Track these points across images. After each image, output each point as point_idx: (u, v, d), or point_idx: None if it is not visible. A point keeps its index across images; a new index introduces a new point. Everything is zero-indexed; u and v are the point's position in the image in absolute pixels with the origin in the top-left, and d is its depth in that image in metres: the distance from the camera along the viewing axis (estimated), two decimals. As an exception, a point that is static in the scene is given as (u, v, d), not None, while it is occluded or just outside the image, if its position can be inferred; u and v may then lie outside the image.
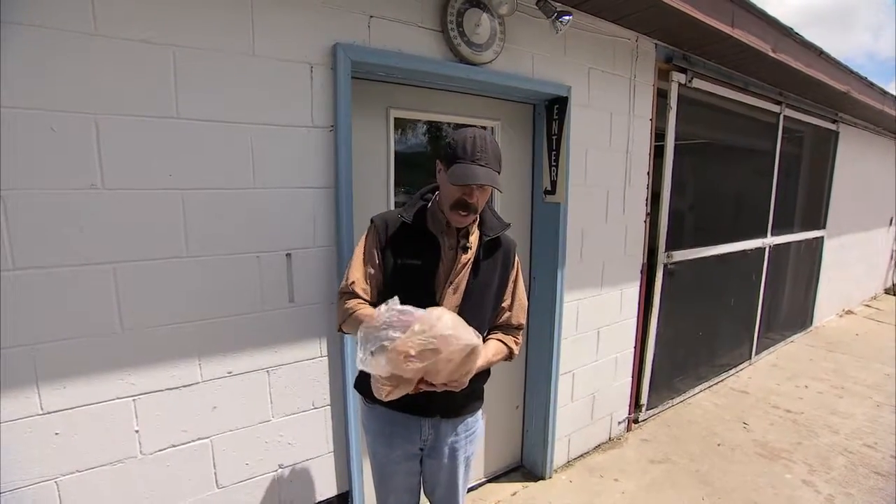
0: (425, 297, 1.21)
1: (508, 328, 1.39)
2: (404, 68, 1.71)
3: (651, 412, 3.17)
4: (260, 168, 1.46)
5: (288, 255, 1.54)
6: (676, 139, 2.84)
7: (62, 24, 1.14)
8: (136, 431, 1.36)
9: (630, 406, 2.98)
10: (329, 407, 1.71)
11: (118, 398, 1.32)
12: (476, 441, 1.43)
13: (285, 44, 1.46)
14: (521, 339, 1.42)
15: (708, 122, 3.24)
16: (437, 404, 1.26)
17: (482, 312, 1.30)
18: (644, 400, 3.07)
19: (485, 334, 1.36)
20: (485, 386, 1.42)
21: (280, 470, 1.63)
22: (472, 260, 1.27)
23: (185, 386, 1.42)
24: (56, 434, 1.24)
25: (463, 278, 1.26)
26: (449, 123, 2.06)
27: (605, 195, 2.52)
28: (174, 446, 1.42)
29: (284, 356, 1.59)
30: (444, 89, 1.96)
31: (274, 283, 1.53)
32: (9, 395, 1.18)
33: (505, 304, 1.37)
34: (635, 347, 2.93)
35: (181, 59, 1.30)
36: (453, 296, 1.25)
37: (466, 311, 1.22)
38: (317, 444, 1.71)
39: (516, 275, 1.39)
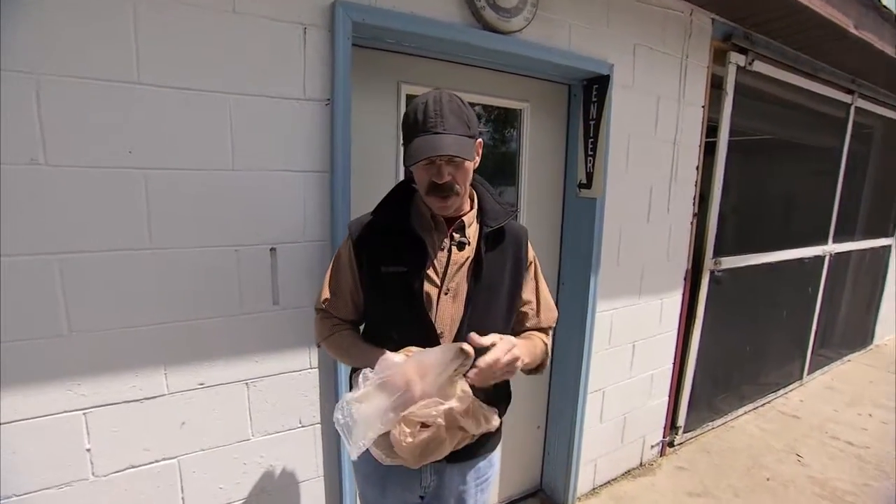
0: (415, 309, 0.96)
1: (538, 332, 1.14)
2: (418, 34, 1.45)
3: (688, 435, 2.84)
4: (240, 146, 1.24)
5: (272, 249, 1.32)
6: (731, 132, 2.48)
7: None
8: (88, 450, 1.16)
9: (665, 428, 2.66)
10: (319, 425, 1.49)
11: (65, 411, 1.13)
12: (489, 489, 1.17)
13: (274, -1, 1.23)
14: (550, 341, 1.16)
15: (767, 114, 2.84)
16: None
17: (492, 321, 1.03)
18: (681, 421, 2.74)
19: None
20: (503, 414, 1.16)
21: (260, 495, 1.43)
22: (471, 258, 1.02)
23: (147, 398, 1.22)
24: (-14, 453, 1.05)
25: (462, 282, 1.00)
26: (472, 104, 1.79)
27: (647, 191, 2.20)
28: (134, 467, 1.23)
29: (267, 367, 1.37)
30: (466, 63, 1.70)
31: (255, 282, 1.31)
32: (-70, 405, 1.00)
33: (526, 309, 1.11)
34: (674, 363, 2.60)
35: (143, 12, 1.08)
36: (452, 305, 1.00)
37: (471, 323, 0.97)
38: (304, 467, 1.49)
39: (535, 269, 1.13)
